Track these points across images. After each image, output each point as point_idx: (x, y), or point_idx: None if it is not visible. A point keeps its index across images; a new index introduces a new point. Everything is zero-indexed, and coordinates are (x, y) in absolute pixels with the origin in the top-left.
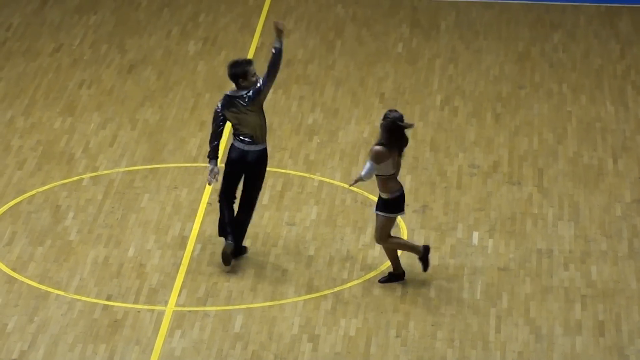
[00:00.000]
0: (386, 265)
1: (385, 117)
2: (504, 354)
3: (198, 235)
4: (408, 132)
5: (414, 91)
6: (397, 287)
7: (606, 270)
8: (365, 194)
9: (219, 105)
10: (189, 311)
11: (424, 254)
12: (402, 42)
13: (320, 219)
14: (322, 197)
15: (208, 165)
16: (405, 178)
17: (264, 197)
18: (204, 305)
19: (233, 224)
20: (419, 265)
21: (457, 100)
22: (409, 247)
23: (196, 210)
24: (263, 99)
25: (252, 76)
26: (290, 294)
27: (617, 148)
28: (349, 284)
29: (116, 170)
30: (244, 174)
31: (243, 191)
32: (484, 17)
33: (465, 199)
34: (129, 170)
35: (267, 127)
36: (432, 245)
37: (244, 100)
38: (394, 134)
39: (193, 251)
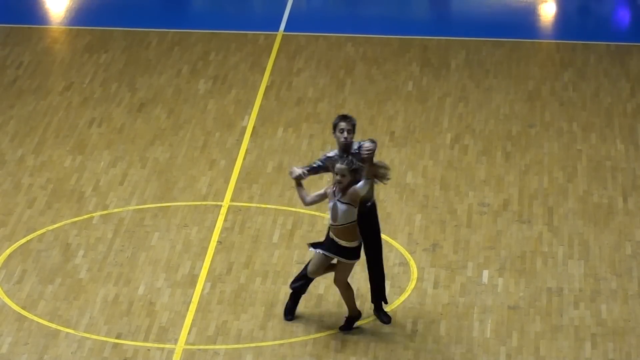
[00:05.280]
0: (396, 303)
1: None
2: None
3: (208, 274)
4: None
5: (424, 129)
6: (406, 325)
7: (616, 308)
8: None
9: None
10: (199, 349)
11: (355, 317)
12: (412, 81)
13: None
14: None
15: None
16: (416, 216)
17: (274, 235)
18: (214, 343)
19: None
20: (429, 302)
21: (467, 139)
22: (352, 303)
23: (206, 248)
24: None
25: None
26: (300, 333)
27: (627, 187)
28: (358, 322)
29: (126, 208)
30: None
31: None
32: (494, 55)
33: (475, 238)
34: (139, 209)
35: (278, 166)
36: (442, 283)
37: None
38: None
39: (203, 289)
